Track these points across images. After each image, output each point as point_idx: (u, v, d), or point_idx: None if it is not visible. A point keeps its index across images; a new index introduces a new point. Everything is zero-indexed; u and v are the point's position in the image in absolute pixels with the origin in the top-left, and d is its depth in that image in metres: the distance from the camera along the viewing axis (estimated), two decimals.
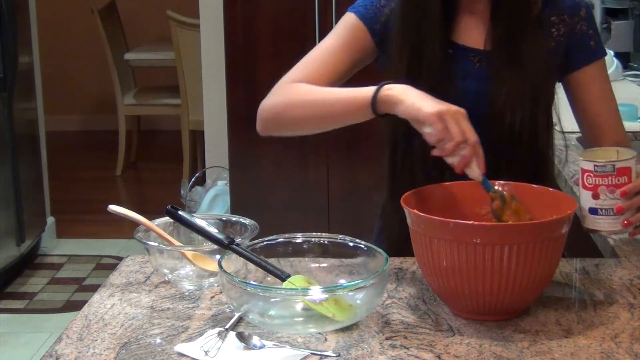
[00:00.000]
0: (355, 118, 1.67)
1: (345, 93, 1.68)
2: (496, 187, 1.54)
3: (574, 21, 1.75)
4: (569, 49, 1.76)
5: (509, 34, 1.70)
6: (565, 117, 1.82)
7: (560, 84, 1.81)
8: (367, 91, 1.62)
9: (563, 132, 1.83)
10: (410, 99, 1.55)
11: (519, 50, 1.69)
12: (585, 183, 1.53)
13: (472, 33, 1.74)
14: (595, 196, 1.51)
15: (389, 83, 1.60)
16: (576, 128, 1.86)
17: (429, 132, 1.52)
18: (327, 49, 1.78)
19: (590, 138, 1.82)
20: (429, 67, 1.70)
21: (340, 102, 1.68)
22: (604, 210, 1.52)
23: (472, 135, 1.51)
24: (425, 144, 1.55)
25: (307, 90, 1.72)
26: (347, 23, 1.78)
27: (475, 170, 1.52)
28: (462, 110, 1.52)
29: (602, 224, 1.53)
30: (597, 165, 1.51)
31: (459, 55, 1.73)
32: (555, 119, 1.80)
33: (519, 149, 1.72)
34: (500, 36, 1.70)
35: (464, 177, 1.58)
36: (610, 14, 3.68)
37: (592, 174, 1.52)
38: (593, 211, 1.53)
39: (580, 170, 1.54)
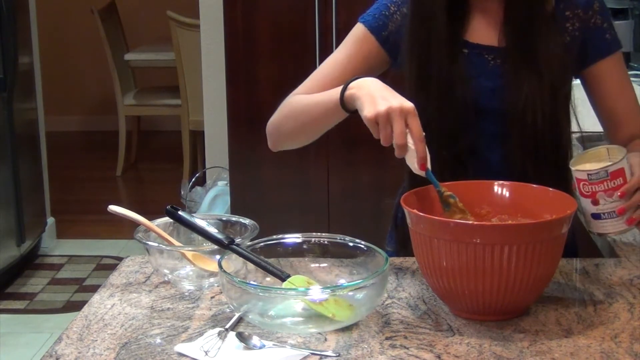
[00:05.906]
0: (333, 118, 1.66)
1: (322, 95, 1.67)
2: (443, 190, 1.52)
3: (588, 15, 1.75)
4: (585, 43, 1.76)
5: (523, 30, 1.69)
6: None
7: (577, 78, 1.80)
8: (338, 90, 1.61)
9: (581, 133, 1.82)
10: (362, 98, 1.53)
11: (534, 46, 1.69)
12: (583, 191, 1.53)
13: (486, 31, 1.74)
14: (595, 202, 1.52)
15: (358, 78, 1.59)
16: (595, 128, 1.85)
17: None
18: (334, 62, 1.78)
19: (608, 130, 1.83)
20: (438, 67, 1.69)
21: (318, 105, 1.67)
22: (606, 214, 1.52)
23: (401, 139, 1.47)
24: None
25: (297, 100, 1.74)
26: (355, 34, 1.78)
27: (414, 165, 1.50)
28: (405, 107, 1.48)
29: (607, 227, 1.53)
30: (590, 174, 1.51)
31: (474, 54, 1.73)
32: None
33: (544, 148, 1.71)
34: (515, 32, 1.70)
35: (489, 171, 1.60)
36: (610, 14, 3.67)
37: (587, 183, 1.52)
38: (596, 216, 1.53)
39: (575, 179, 1.54)
